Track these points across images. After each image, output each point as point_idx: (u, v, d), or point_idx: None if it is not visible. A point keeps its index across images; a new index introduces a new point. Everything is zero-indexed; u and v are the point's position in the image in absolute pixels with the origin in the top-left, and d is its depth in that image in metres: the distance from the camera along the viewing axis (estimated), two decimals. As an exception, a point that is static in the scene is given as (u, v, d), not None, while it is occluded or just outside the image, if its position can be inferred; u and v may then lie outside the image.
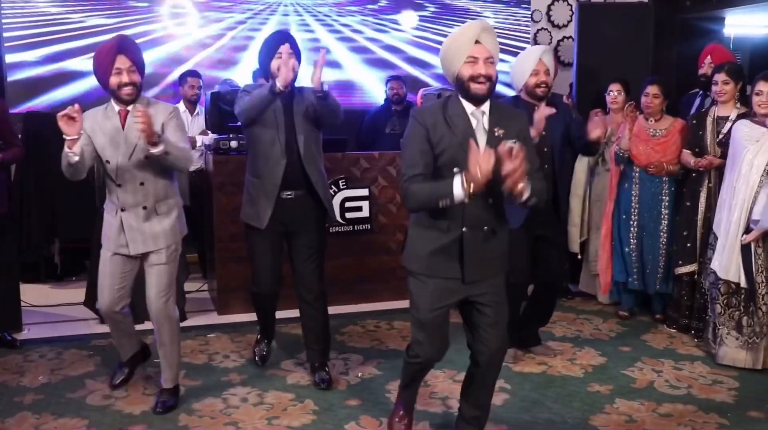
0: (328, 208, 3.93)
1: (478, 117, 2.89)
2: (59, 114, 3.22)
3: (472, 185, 2.66)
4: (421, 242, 2.98)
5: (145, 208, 3.53)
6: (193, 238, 5.90)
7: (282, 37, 3.81)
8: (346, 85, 7.17)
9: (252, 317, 4.95)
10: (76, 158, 3.29)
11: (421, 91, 5.23)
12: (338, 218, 5.24)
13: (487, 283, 2.98)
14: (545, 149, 4.04)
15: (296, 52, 3.77)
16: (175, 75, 6.48)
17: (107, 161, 3.49)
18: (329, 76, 7.01)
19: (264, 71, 3.85)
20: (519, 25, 7.58)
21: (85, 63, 6.29)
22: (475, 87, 2.85)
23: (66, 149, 3.28)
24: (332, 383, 3.95)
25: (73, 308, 5.14)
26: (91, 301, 4.77)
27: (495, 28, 7.43)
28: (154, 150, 3.34)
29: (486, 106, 2.91)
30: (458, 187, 2.69)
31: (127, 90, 3.42)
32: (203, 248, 5.90)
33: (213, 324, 4.94)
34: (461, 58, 2.85)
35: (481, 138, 2.87)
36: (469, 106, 2.89)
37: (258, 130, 3.76)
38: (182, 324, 4.87)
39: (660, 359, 4.38)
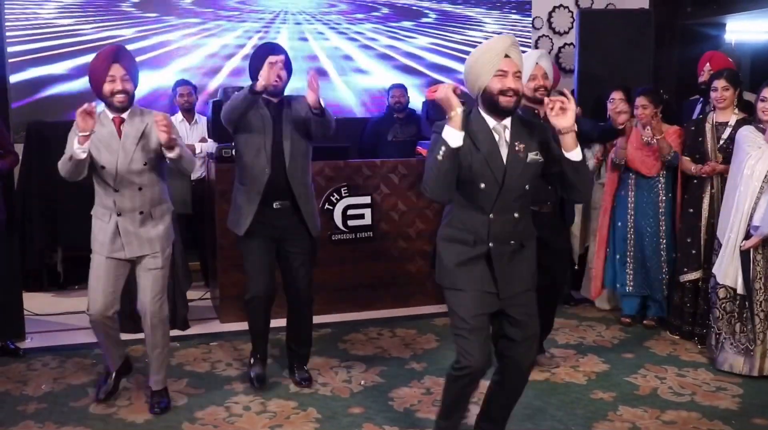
0: (308, 221, 3.91)
1: (500, 131, 2.89)
2: (79, 110, 3.30)
3: (453, 117, 2.75)
4: (448, 257, 2.97)
5: (141, 212, 3.60)
6: (195, 246, 5.94)
7: (271, 48, 3.84)
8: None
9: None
10: (85, 155, 3.39)
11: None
12: (339, 226, 5.25)
13: (520, 297, 2.97)
14: None
15: (286, 63, 3.79)
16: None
17: (102, 167, 3.54)
18: (333, 83, 7.04)
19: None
20: (520, 32, 7.60)
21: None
22: (504, 100, 2.84)
23: (76, 145, 3.35)
24: (312, 380, 4.06)
25: (75, 316, 5.13)
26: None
27: (496, 35, 7.52)
28: (171, 154, 3.46)
29: (508, 120, 2.90)
30: (447, 130, 2.77)
31: (120, 97, 3.51)
32: (205, 256, 5.91)
33: (215, 332, 4.94)
34: (491, 71, 2.83)
35: (504, 152, 2.87)
36: (491, 121, 2.88)
37: (245, 138, 3.82)
38: (185, 332, 4.91)
39: (663, 365, 4.37)
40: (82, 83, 6.18)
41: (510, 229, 2.91)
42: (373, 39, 7.29)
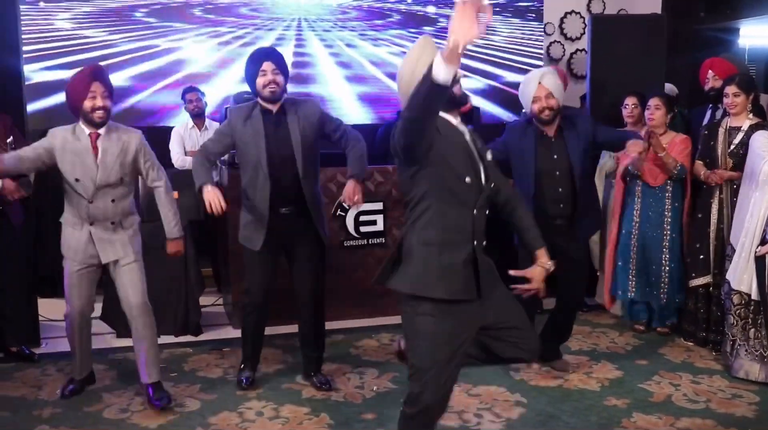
0: (319, 228, 3.94)
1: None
2: None
3: (456, 50, 2.25)
4: (430, 262, 2.67)
5: (113, 223, 3.79)
6: (207, 252, 5.96)
7: (265, 54, 3.84)
8: (355, 98, 7.22)
9: (266, 331, 4.95)
10: None
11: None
12: (351, 232, 5.26)
13: (495, 298, 2.78)
14: (557, 173, 4.08)
15: (281, 67, 3.80)
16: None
17: (77, 179, 3.70)
18: (338, 87, 7.05)
19: (251, 90, 3.89)
20: (532, 38, 7.60)
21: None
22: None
23: None
24: (332, 383, 4.08)
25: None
26: (107, 315, 4.80)
27: (507, 41, 7.53)
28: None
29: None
30: (437, 61, 2.29)
31: (99, 113, 3.67)
32: (217, 262, 5.93)
33: (228, 338, 4.95)
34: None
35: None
36: (458, 124, 2.80)
37: (240, 154, 3.90)
38: (197, 338, 4.93)
39: (678, 372, 4.35)
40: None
41: (483, 227, 2.76)
42: (386, 45, 7.31)
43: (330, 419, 3.73)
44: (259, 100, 3.85)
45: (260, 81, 3.76)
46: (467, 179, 2.68)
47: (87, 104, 3.65)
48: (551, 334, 4.34)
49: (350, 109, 7.19)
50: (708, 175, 4.56)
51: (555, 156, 4.07)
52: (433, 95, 2.38)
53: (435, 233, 2.68)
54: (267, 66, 3.75)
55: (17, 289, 4.54)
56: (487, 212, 2.79)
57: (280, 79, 3.78)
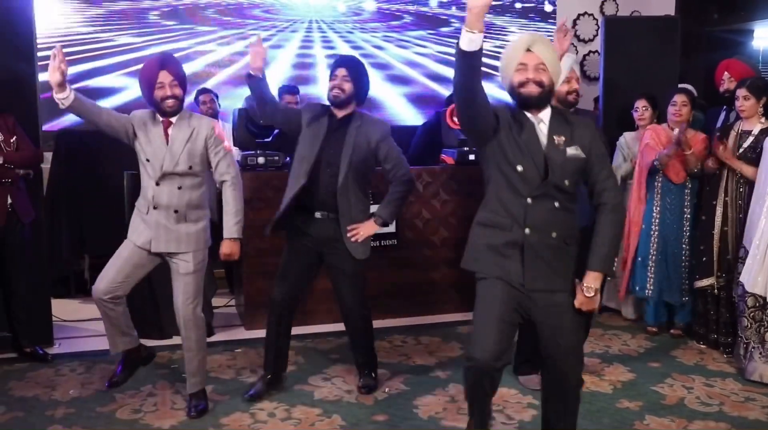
0: (347, 243, 3.81)
1: (536, 124, 2.86)
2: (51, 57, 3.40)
3: (471, 14, 2.47)
4: (479, 240, 2.91)
5: (176, 211, 3.70)
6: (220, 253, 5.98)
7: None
8: (369, 101, 7.20)
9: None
10: (66, 105, 3.51)
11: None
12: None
13: (548, 297, 2.84)
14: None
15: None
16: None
17: (147, 159, 3.68)
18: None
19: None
20: (544, 39, 7.59)
21: (115, 80, 6.43)
22: (524, 91, 2.83)
23: (55, 94, 3.48)
24: (374, 389, 4.05)
25: (102, 322, 5.18)
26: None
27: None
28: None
29: (545, 114, 2.89)
30: (462, 31, 2.51)
31: (169, 102, 3.64)
32: (230, 264, 5.93)
33: (240, 339, 4.96)
34: (513, 67, 2.84)
35: (543, 141, 2.85)
36: (529, 115, 2.88)
37: (299, 144, 3.86)
38: (210, 339, 4.92)
39: (690, 375, 4.33)
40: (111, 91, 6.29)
41: (550, 218, 2.81)
42: (400, 47, 7.32)
43: (342, 420, 3.73)
44: (330, 106, 3.87)
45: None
46: (518, 168, 2.80)
47: (157, 94, 3.63)
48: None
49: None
50: (719, 153, 4.53)
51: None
52: (463, 63, 2.58)
53: (486, 214, 2.92)
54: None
55: (30, 289, 4.56)
56: (556, 205, 2.82)
57: (347, 86, 3.78)
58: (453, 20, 7.45)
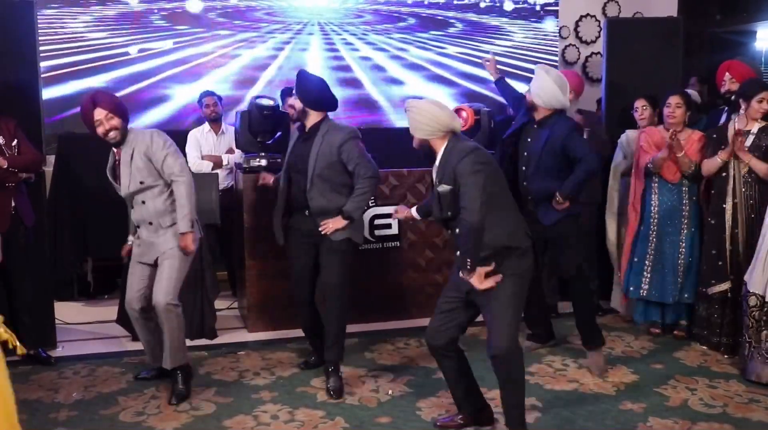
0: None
1: None
2: None
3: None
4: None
5: (151, 223, 4.02)
6: (222, 256, 5.98)
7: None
8: (367, 102, 7.22)
9: (281, 334, 5.01)
10: None
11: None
12: (366, 236, 5.26)
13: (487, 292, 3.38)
14: (524, 168, 4.40)
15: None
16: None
17: (117, 191, 4.07)
18: (347, 92, 7.07)
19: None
20: (547, 41, 7.58)
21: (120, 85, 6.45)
22: None
23: None
24: (341, 391, 4.06)
25: (106, 325, 5.19)
26: (122, 318, 4.82)
27: (523, 44, 7.52)
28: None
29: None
30: None
31: (111, 135, 3.92)
32: (233, 266, 5.95)
33: (243, 342, 4.96)
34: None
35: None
36: None
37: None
38: (212, 342, 4.95)
39: (694, 376, 4.32)
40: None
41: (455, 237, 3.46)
42: (402, 49, 7.32)
43: (345, 422, 3.73)
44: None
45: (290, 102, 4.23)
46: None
47: (99, 131, 3.91)
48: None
49: (372, 111, 7.22)
50: (720, 153, 4.53)
51: (526, 153, 4.39)
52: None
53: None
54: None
55: (33, 292, 4.56)
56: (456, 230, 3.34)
57: (297, 103, 4.10)
58: (453, 21, 7.45)
